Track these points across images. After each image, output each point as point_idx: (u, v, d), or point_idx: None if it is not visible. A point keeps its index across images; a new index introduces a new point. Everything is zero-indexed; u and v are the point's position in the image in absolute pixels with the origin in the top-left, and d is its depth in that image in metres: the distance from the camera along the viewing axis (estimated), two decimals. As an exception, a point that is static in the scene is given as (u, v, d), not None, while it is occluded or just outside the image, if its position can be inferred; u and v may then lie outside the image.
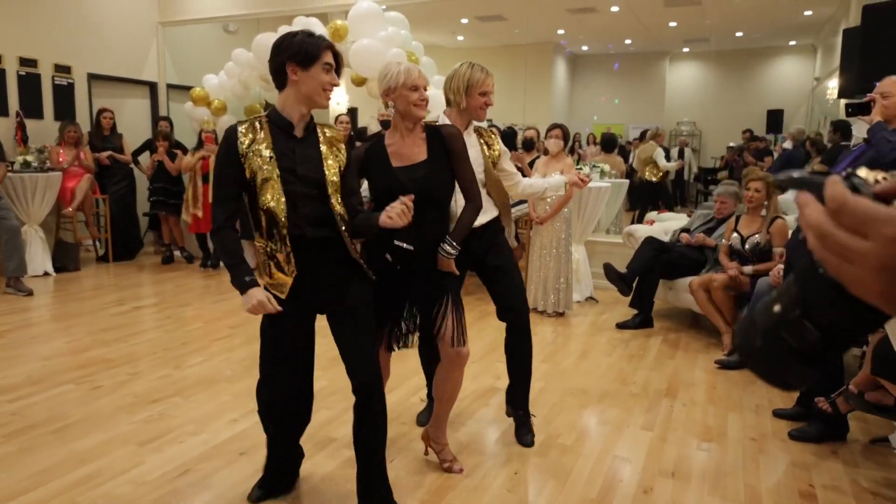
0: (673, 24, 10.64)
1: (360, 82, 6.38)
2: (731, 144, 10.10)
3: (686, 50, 13.33)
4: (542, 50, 12.59)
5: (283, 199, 2.01)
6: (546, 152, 5.04)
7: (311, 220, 2.04)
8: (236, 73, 7.14)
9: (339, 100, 9.78)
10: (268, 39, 6.51)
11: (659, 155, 7.96)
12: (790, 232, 4.01)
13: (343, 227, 2.07)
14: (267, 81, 6.98)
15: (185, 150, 7.02)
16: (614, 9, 9.53)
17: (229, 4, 8.03)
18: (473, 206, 2.36)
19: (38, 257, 6.29)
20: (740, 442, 2.85)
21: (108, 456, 2.67)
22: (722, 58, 12.94)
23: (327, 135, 2.12)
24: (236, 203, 2.08)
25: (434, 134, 2.32)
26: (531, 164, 5.39)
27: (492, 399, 3.38)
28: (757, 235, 4.06)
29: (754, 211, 4.10)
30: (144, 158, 7.42)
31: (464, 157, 2.34)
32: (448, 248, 2.30)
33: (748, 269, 4.05)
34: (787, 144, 6.99)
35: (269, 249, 2.08)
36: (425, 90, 2.32)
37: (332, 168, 2.08)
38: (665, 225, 5.15)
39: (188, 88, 7.61)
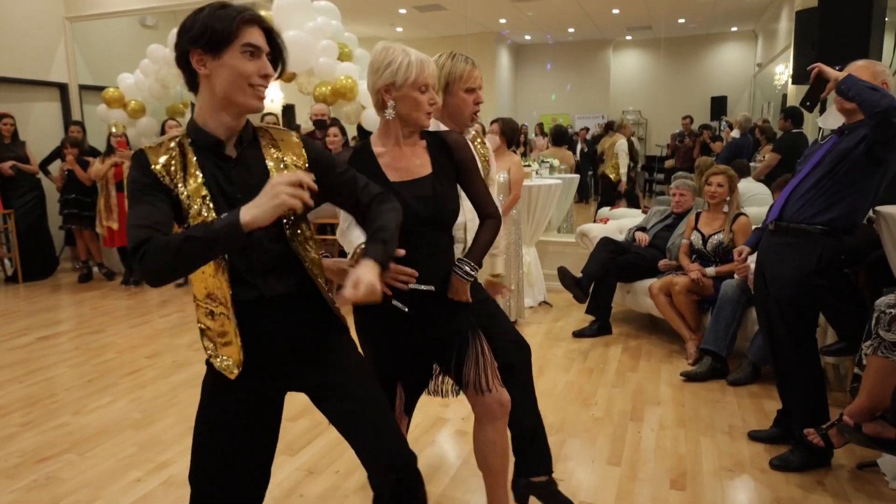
0: (615, 11, 10.46)
1: (288, 78, 5.87)
2: (675, 132, 10.07)
3: (629, 38, 13.21)
4: (483, 40, 12.26)
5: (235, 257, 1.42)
6: (491, 150, 4.67)
7: (268, 271, 1.45)
8: (153, 71, 6.52)
9: (274, 96, 9.20)
10: (184, 33, 5.97)
11: (622, 148, 7.71)
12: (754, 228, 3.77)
13: (315, 272, 1.50)
14: (187, 80, 6.40)
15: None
16: (556, -4, 9.27)
17: (142, -4, 7.36)
18: (494, 221, 1.87)
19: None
20: (717, 475, 2.56)
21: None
22: (665, 45, 12.89)
23: (274, 139, 1.51)
24: (164, 227, 1.36)
25: (436, 142, 1.83)
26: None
27: (440, 432, 3.01)
28: (719, 234, 3.81)
29: (716, 207, 3.85)
30: (56, 168, 6.73)
31: (474, 167, 1.87)
32: (468, 268, 1.79)
33: (711, 270, 3.79)
34: (736, 133, 6.85)
35: (209, 312, 1.47)
36: (436, 91, 1.84)
37: None
38: (620, 223, 4.88)
39: (102, 89, 6.94)
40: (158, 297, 5.74)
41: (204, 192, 1.38)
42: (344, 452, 2.83)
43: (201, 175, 1.40)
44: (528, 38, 13.52)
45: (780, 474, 2.53)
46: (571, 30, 12.32)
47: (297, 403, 3.32)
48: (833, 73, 2.39)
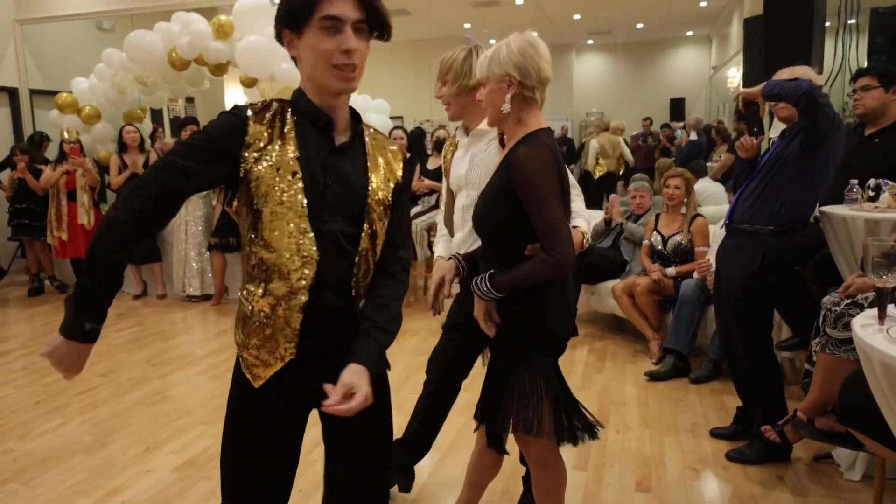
0: (577, 16, 10.62)
1: (250, 83, 5.80)
2: (634, 133, 10.27)
3: (591, 42, 13.44)
4: (448, 45, 12.15)
5: (314, 248, 1.27)
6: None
7: (338, 281, 1.31)
8: (109, 76, 6.36)
9: (237, 100, 9.07)
10: (142, 38, 5.82)
11: (623, 145, 7.86)
12: (711, 229, 3.86)
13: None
14: (144, 84, 6.25)
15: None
16: (519, 2, 9.35)
17: (97, 0, 7.16)
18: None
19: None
20: (681, 474, 2.61)
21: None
22: (625, 49, 13.14)
23: (382, 144, 1.41)
24: (168, 206, 1.26)
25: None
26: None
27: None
28: (678, 235, 3.88)
29: (674, 209, 3.93)
30: (5, 176, 6.50)
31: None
32: (483, 285, 1.65)
33: (671, 270, 3.86)
34: (694, 136, 7.01)
35: (262, 315, 1.30)
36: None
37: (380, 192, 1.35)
38: (583, 226, 4.93)
39: (55, 93, 6.73)
40: (114, 310, 5.58)
41: (295, 168, 1.25)
42: (310, 468, 2.79)
43: (297, 150, 1.26)
44: (492, 41, 13.63)
45: (741, 471, 2.59)
46: (534, 34, 12.46)
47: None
48: (754, 90, 2.53)
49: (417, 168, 5.27)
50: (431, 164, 5.23)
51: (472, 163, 2.01)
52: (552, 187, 1.57)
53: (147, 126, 7.17)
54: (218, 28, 5.48)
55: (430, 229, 5.12)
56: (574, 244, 1.63)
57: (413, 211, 5.13)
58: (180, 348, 4.55)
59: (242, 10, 5.46)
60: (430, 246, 5.14)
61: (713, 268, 3.04)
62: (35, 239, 6.10)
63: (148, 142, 6.38)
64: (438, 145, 5.24)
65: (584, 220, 1.90)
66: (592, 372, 3.82)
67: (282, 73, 5.39)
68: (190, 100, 9.01)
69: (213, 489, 2.59)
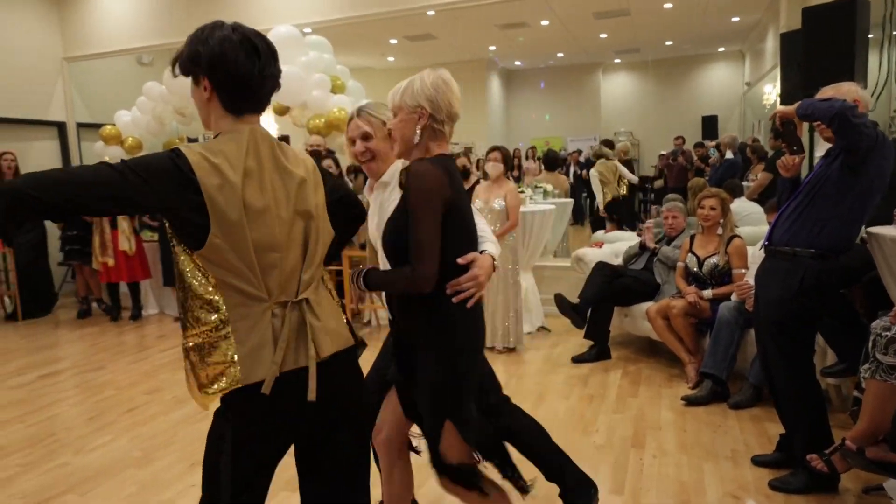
0: (603, 35, 10.62)
1: (282, 111, 5.95)
2: (663, 152, 10.10)
3: (618, 60, 13.41)
4: (474, 67, 12.41)
5: None
6: (486, 176, 4.72)
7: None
8: (149, 108, 6.60)
9: (269, 129, 9.29)
10: (179, 71, 6.05)
11: (624, 170, 7.77)
12: (750, 251, 3.79)
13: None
14: (183, 115, 6.47)
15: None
16: (544, 22, 9.40)
17: (139, 35, 7.46)
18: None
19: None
20: (721, 502, 2.54)
21: None
22: (654, 67, 13.07)
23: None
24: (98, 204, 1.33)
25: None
26: (470, 191, 5.05)
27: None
28: (714, 257, 3.82)
29: (710, 230, 3.87)
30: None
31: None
32: (359, 277, 1.80)
33: (707, 293, 3.80)
34: (730, 154, 6.90)
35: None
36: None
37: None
38: (615, 247, 4.89)
39: (100, 126, 7.01)
40: (157, 332, 5.73)
41: None
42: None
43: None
44: (518, 63, 13.70)
45: (785, 500, 2.51)
46: (560, 54, 12.47)
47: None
48: (790, 109, 2.49)
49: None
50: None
51: (381, 212, 1.96)
52: (431, 208, 1.64)
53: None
54: (252, 59, 5.65)
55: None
56: (484, 268, 1.73)
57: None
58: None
59: (275, 41, 5.61)
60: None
61: (753, 290, 2.98)
62: (84, 264, 6.34)
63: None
64: (462, 174, 5.28)
65: (492, 242, 1.92)
66: (627, 395, 3.76)
67: (313, 101, 5.52)
68: (225, 128, 9.26)
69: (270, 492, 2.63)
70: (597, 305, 4.28)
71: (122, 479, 2.94)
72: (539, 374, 4.21)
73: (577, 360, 4.37)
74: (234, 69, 1.37)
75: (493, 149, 4.61)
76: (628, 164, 11.22)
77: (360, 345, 1.57)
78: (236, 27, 1.41)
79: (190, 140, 8.12)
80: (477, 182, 5.10)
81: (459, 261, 1.70)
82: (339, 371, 1.47)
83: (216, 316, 1.37)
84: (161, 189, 1.28)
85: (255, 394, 1.35)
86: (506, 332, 4.64)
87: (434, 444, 1.77)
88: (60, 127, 7.87)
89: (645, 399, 3.69)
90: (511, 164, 4.66)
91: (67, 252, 6.40)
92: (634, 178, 8.00)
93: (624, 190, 7.58)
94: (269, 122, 9.18)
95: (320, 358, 1.41)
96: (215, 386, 1.37)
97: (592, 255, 4.76)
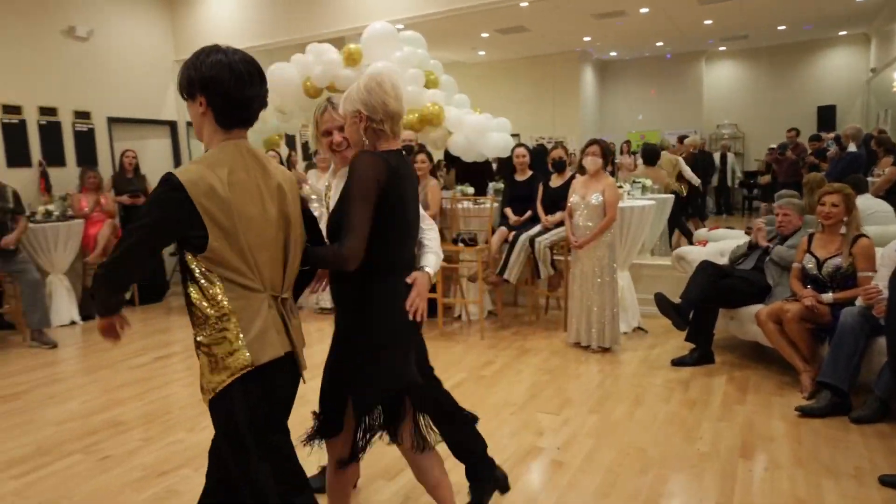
0: (708, 21, 10.05)
1: (377, 108, 6.04)
2: (772, 146, 9.40)
3: (723, 48, 12.67)
4: (568, 59, 12.13)
5: None
6: (582, 170, 4.57)
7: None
8: (252, 106, 6.89)
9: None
10: (280, 70, 6.25)
11: (682, 164, 7.30)
12: (878, 252, 3.45)
13: None
14: (283, 112, 6.71)
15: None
16: (644, 10, 9.02)
17: (240, 37, 7.83)
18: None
19: (64, 307, 6.18)
20: (845, 525, 2.32)
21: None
22: (763, 54, 12.24)
23: None
24: None
25: None
26: (567, 185, 4.92)
27: (535, 462, 2.91)
28: (837, 258, 3.50)
29: (831, 229, 3.55)
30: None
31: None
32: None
33: (828, 297, 3.49)
34: (853, 147, 6.32)
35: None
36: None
37: None
38: (720, 245, 4.61)
39: (207, 125, 7.42)
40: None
41: None
42: (437, 483, 2.80)
43: None
44: (613, 54, 13.25)
45: (922, 528, 2.26)
46: (660, 43, 11.94)
47: (390, 431, 3.34)
48: None
49: (541, 188, 5.19)
50: (554, 182, 5.13)
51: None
52: (367, 193, 1.80)
53: (283, 151, 7.70)
54: (348, 56, 5.76)
55: (554, 247, 5.02)
56: (419, 288, 1.93)
57: (535, 229, 5.05)
58: (317, 357, 4.75)
59: (370, 37, 5.71)
60: (553, 264, 5.04)
61: (884, 294, 2.69)
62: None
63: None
64: (557, 165, 5.13)
65: (434, 254, 2.08)
66: (733, 402, 3.53)
67: (407, 95, 5.56)
68: (320, 126, 9.56)
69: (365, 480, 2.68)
70: (700, 306, 4.05)
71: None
72: (636, 375, 4.04)
73: (677, 362, 4.16)
74: (224, 90, 1.58)
75: (592, 142, 4.45)
76: (708, 157, 10.48)
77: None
78: (228, 51, 1.61)
79: (288, 136, 8.46)
80: (573, 176, 4.97)
81: (408, 280, 1.93)
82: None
83: (217, 311, 1.59)
84: (175, 225, 1.55)
85: (260, 372, 1.61)
86: (601, 331, 4.49)
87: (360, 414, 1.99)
88: (172, 126, 8.40)
89: (753, 407, 3.45)
90: (610, 158, 4.48)
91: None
92: (696, 180, 7.44)
93: (683, 189, 7.07)
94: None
95: (295, 349, 1.71)
96: (223, 376, 1.61)
97: (695, 253, 4.51)
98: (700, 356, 4.14)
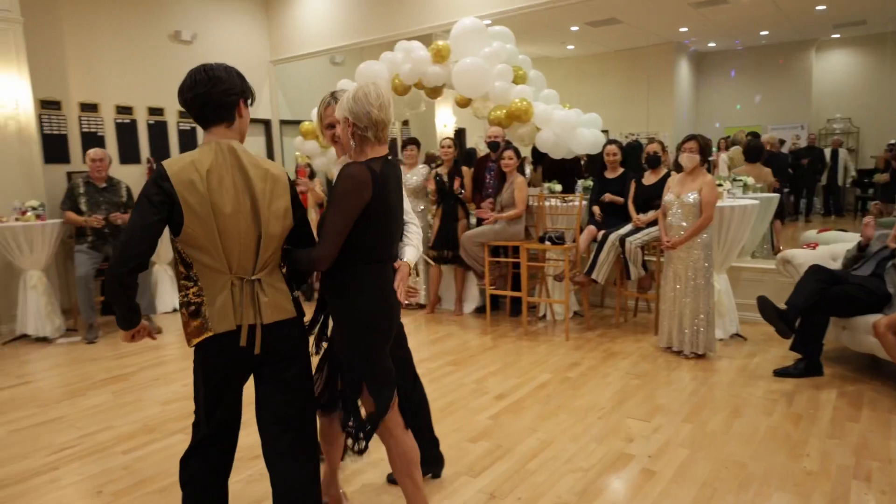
0: (821, 7, 9.33)
1: (464, 103, 6.02)
2: (892, 141, 8.56)
3: (836, 36, 11.73)
4: (661, 51, 11.63)
5: None
6: (678, 168, 4.36)
7: None
8: (342, 105, 7.05)
9: (447, 121, 9.54)
10: (369, 68, 6.36)
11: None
12: None
13: None
14: (372, 110, 6.83)
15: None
16: (747, -3, 8.50)
17: (333, 36, 8.05)
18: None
19: (168, 295, 6.56)
20: (984, 564, 2.07)
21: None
22: (883, 41, 11.23)
23: None
24: None
25: None
26: (660, 183, 4.71)
27: (625, 469, 2.80)
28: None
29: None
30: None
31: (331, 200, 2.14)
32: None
33: (960, 307, 3.15)
34: None
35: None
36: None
37: None
38: (832, 249, 4.27)
39: (299, 122, 7.67)
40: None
41: None
42: (527, 478, 2.75)
43: None
44: (712, 44, 12.60)
45: None
46: (764, 32, 11.22)
47: (476, 426, 3.31)
48: None
49: (633, 186, 5.00)
50: (647, 180, 4.92)
51: None
52: (346, 206, 1.99)
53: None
54: (436, 53, 5.77)
55: (645, 247, 4.83)
56: (401, 275, 2.13)
57: (626, 228, 4.87)
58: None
59: (459, 33, 5.69)
60: (644, 265, 4.84)
61: None
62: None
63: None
64: (651, 160, 4.91)
65: (413, 247, 2.25)
66: (845, 419, 3.25)
67: (495, 91, 5.51)
68: (405, 123, 9.68)
69: (439, 484, 2.71)
70: (808, 314, 3.76)
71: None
72: (733, 385, 3.80)
73: (780, 373, 3.89)
74: (181, 98, 1.93)
75: (690, 138, 4.23)
76: (818, 153, 9.66)
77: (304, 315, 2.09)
78: (204, 65, 1.95)
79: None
80: (668, 174, 4.75)
81: (395, 265, 2.14)
82: (278, 333, 1.98)
83: (190, 283, 1.91)
84: (161, 206, 1.82)
85: (217, 339, 1.90)
86: (694, 336, 4.27)
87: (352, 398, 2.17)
88: (266, 124, 8.76)
89: (870, 425, 3.16)
90: (709, 155, 4.24)
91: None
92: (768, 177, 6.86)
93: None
94: (447, 114, 9.44)
95: (263, 323, 1.94)
96: (197, 338, 1.92)
97: (803, 256, 4.20)
98: (807, 367, 3.84)
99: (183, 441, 3.24)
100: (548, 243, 4.91)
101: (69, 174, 6.60)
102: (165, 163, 1.85)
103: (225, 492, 2.11)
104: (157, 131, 7.49)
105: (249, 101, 2.02)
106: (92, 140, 6.81)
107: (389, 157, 2.12)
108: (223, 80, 1.92)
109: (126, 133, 7.19)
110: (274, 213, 1.95)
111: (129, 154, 7.21)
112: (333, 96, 2.37)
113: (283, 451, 2.05)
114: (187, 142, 7.76)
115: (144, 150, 7.37)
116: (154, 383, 4.24)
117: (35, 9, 6.25)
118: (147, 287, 5.76)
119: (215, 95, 1.90)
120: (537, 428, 3.29)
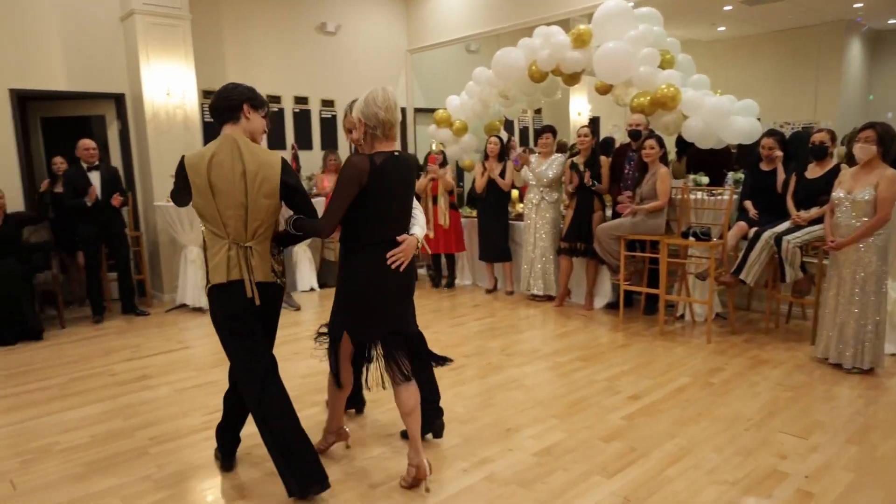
0: None
1: (604, 90, 5.79)
2: None
3: None
4: (827, 31, 10.46)
5: None
6: (850, 160, 3.89)
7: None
8: (476, 92, 7.04)
9: (581, 109, 9.25)
10: (505, 55, 6.29)
11: None
12: None
13: None
14: (506, 97, 6.76)
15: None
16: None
17: (469, 24, 8.05)
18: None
19: (306, 275, 6.96)
20: None
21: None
22: None
23: None
24: None
25: None
26: (826, 177, 4.24)
27: (778, 488, 2.55)
28: None
29: None
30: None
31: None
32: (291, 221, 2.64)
33: None
34: None
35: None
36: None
37: None
38: None
39: (433, 111, 7.78)
40: (471, 301, 6.16)
41: None
42: (665, 485, 2.59)
43: None
44: (891, 21, 11.17)
45: None
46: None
47: (608, 425, 3.18)
48: None
49: (793, 179, 4.54)
50: (811, 173, 4.44)
51: None
52: (345, 189, 2.40)
53: (504, 135, 7.76)
54: (577, 37, 5.58)
55: (805, 247, 4.37)
56: (409, 245, 2.50)
57: (783, 226, 4.44)
58: (529, 343, 4.78)
59: (603, 16, 5.45)
60: (804, 266, 4.39)
61: None
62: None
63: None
64: (817, 151, 4.40)
65: (420, 227, 2.64)
66: None
67: (638, 77, 5.23)
68: (538, 111, 9.49)
69: (572, 480, 2.68)
70: None
71: (447, 431, 3.14)
72: (909, 407, 3.36)
73: (971, 399, 3.37)
74: (210, 104, 2.60)
75: (867, 126, 3.75)
76: None
77: (282, 283, 2.66)
78: (225, 84, 2.61)
79: (508, 121, 8.55)
80: (836, 167, 4.26)
81: (398, 238, 2.49)
82: (264, 291, 2.54)
83: (204, 244, 2.54)
84: (183, 184, 2.50)
85: (218, 289, 2.50)
86: (859, 349, 3.81)
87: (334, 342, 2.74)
88: (402, 111, 8.97)
89: None
90: (890, 146, 3.73)
91: None
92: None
93: None
94: (581, 102, 9.15)
95: (254, 280, 2.49)
96: (205, 284, 2.57)
97: None
98: None
99: (321, 413, 3.41)
100: (692, 239, 4.60)
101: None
102: (186, 154, 2.48)
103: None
104: (302, 119, 7.93)
105: (264, 112, 2.58)
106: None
107: (397, 153, 2.45)
108: (227, 91, 2.53)
109: (274, 121, 7.67)
110: (261, 192, 2.46)
111: (276, 141, 7.69)
112: (350, 106, 2.78)
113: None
114: (326, 130, 8.14)
115: (290, 136, 7.83)
116: (293, 357, 4.48)
117: (200, 5, 6.80)
118: (289, 266, 6.14)
119: (220, 102, 2.51)
120: (676, 434, 3.10)
